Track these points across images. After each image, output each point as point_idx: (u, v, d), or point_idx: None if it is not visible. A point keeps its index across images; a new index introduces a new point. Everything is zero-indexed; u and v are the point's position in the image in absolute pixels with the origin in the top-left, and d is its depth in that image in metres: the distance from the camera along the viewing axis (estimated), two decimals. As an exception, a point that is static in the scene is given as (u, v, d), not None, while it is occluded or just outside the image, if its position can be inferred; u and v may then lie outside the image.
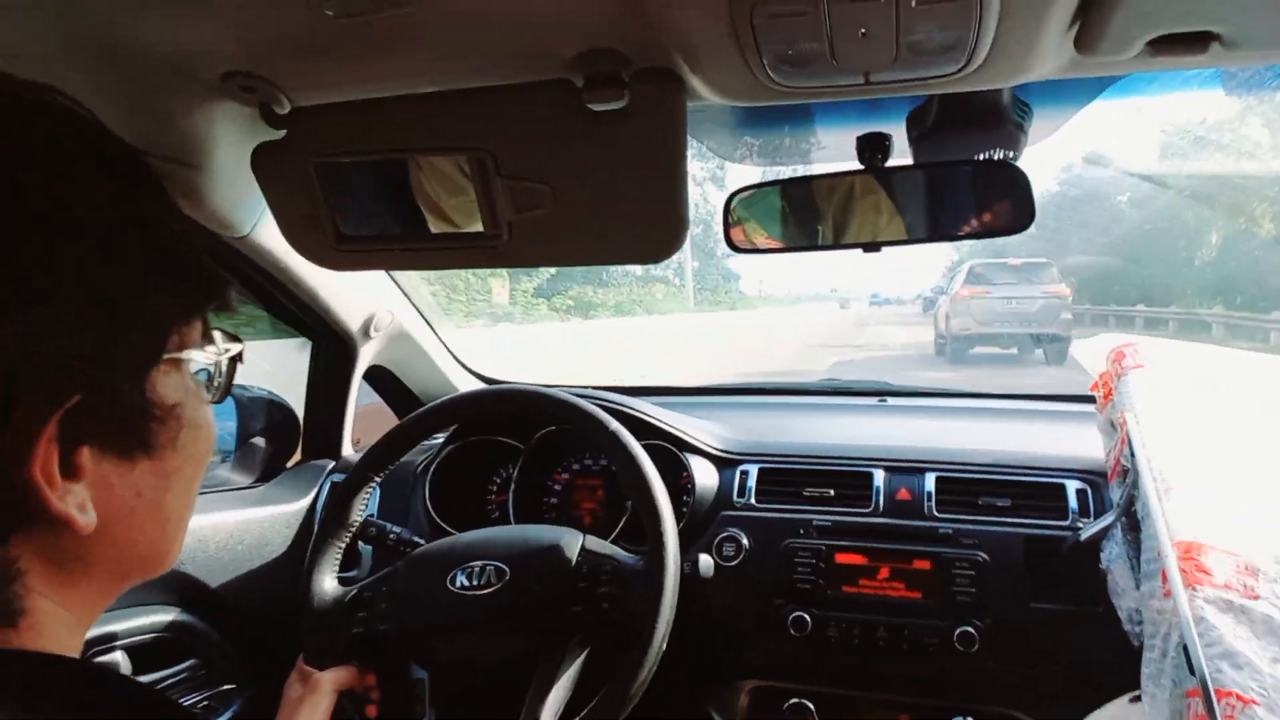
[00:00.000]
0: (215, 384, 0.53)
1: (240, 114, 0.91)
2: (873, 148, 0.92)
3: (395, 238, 0.96)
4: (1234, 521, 0.87)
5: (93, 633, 1.20)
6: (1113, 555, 1.09)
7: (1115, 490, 1.12)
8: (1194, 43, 0.63)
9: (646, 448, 1.12)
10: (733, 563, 1.30)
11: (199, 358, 0.50)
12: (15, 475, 0.41)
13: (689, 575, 1.13)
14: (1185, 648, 0.78)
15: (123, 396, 0.45)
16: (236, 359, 0.55)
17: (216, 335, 0.52)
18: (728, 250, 1.06)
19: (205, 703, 1.34)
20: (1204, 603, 0.79)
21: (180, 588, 1.30)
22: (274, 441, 1.57)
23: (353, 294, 1.50)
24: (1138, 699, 0.87)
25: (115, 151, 0.46)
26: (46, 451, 0.41)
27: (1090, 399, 1.22)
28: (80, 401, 0.42)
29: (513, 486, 1.47)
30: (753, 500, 1.36)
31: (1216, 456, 0.96)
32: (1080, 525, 1.20)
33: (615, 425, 1.12)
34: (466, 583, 1.08)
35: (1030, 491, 1.28)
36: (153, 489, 0.48)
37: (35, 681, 0.42)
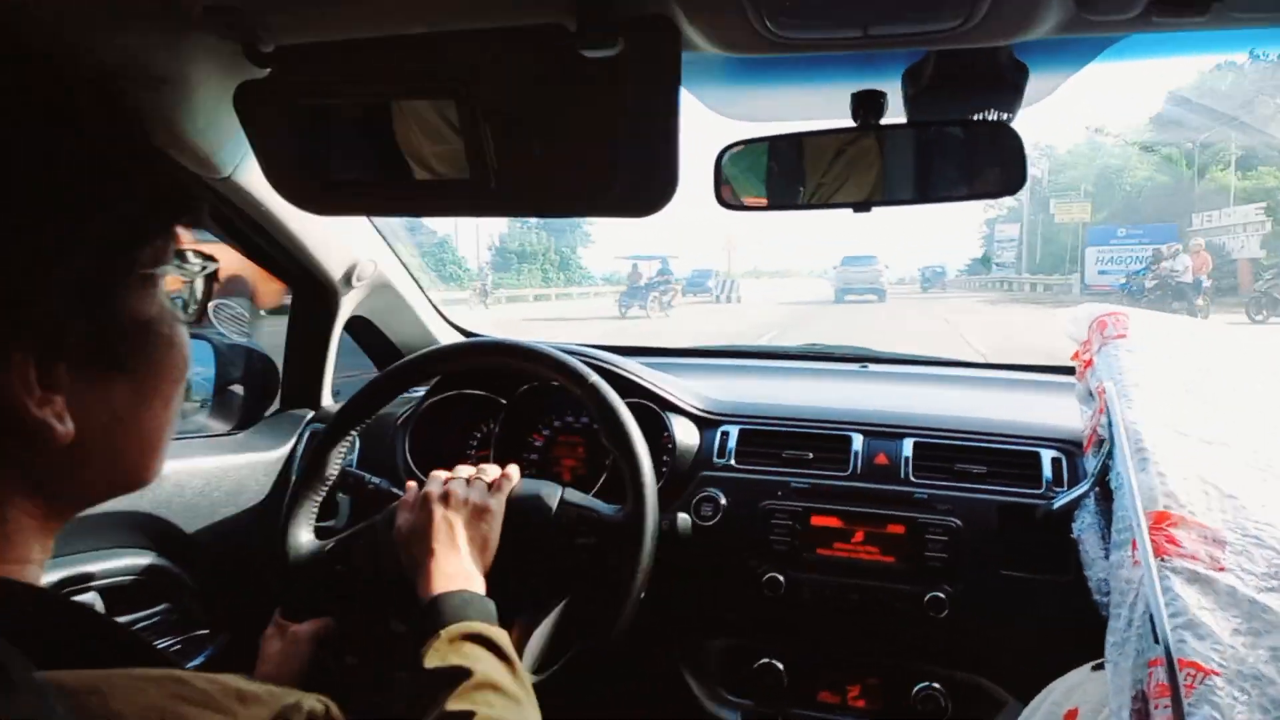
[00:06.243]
0: (191, 301, 0.52)
1: (223, 50, 0.88)
2: (867, 105, 0.90)
3: (380, 182, 0.94)
4: (1205, 493, 0.88)
5: (68, 572, 1.19)
6: (1084, 525, 1.10)
7: (1090, 460, 1.13)
8: (1196, 2, 0.62)
9: (629, 406, 1.12)
10: (710, 522, 1.31)
11: (174, 274, 0.49)
12: None
13: (666, 533, 1.14)
14: (1151, 617, 0.79)
15: (96, 311, 0.44)
16: (213, 277, 0.54)
17: (191, 255, 0.51)
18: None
19: (177, 647, 1.34)
20: (1171, 573, 0.80)
21: (156, 532, 1.30)
22: (252, 389, 1.55)
23: (336, 242, 1.47)
24: (1100, 667, 0.89)
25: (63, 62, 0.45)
26: (23, 359, 0.41)
27: (1069, 370, 1.23)
28: (55, 314, 0.41)
29: (494, 441, 1.47)
30: (732, 461, 1.37)
31: (1193, 428, 0.97)
32: (1054, 494, 1.21)
33: (595, 378, 1.12)
34: None
35: (1006, 459, 1.29)
36: (130, 408, 0.47)
37: (18, 612, 0.41)
